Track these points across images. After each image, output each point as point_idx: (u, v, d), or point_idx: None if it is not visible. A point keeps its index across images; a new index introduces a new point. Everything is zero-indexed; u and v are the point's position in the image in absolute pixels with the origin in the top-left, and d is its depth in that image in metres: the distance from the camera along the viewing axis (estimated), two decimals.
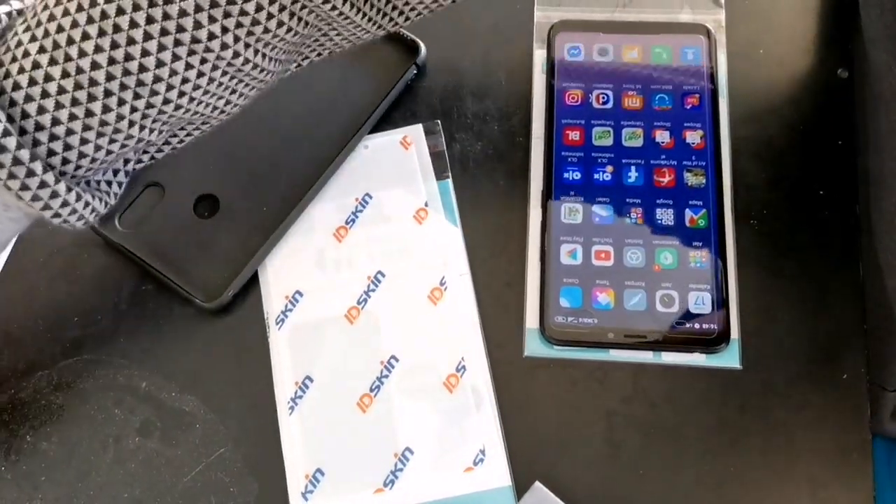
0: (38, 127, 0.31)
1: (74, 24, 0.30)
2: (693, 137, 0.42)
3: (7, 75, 0.31)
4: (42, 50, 0.30)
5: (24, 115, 0.31)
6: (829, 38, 0.45)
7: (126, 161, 0.36)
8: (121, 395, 0.40)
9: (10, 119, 0.30)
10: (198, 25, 0.30)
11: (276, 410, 0.39)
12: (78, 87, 0.30)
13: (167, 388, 0.40)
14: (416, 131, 0.44)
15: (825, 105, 0.43)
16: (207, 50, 0.31)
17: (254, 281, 0.42)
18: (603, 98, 0.43)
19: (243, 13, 0.31)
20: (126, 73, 0.31)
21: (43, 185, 0.31)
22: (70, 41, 0.30)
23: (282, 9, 0.31)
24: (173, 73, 0.31)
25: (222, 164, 0.43)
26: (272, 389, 0.40)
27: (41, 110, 0.31)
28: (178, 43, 0.30)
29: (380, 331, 0.40)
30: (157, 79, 0.31)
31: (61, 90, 0.30)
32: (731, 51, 0.44)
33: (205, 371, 0.41)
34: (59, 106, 0.31)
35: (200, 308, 0.41)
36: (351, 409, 0.39)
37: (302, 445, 0.38)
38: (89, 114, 0.31)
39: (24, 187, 0.31)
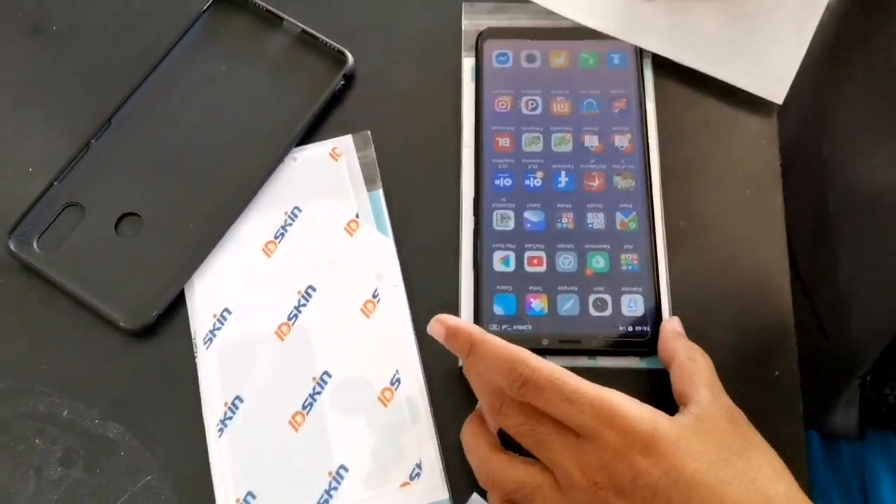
0: None
1: None
2: (621, 141, 0.42)
3: None
4: None
5: None
6: None
7: None
8: (41, 424, 0.39)
9: None
10: None
11: (206, 434, 0.38)
12: None
13: (90, 415, 0.39)
14: (345, 142, 0.43)
15: (751, 101, 0.44)
16: None
17: (180, 300, 0.40)
18: (532, 104, 0.43)
19: None
20: None
21: None
22: None
23: None
24: None
25: (145, 181, 0.42)
26: (201, 412, 0.38)
27: None
28: None
29: (311, 346, 0.39)
30: None
31: None
32: (656, 55, 0.44)
33: (129, 396, 0.39)
34: None
35: (124, 330, 0.40)
36: (282, 428, 0.38)
37: (232, 468, 0.37)
38: None
39: None
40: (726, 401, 0.35)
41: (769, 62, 0.43)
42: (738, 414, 0.35)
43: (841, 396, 0.48)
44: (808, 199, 0.47)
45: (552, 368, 0.33)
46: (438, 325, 0.36)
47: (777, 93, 0.43)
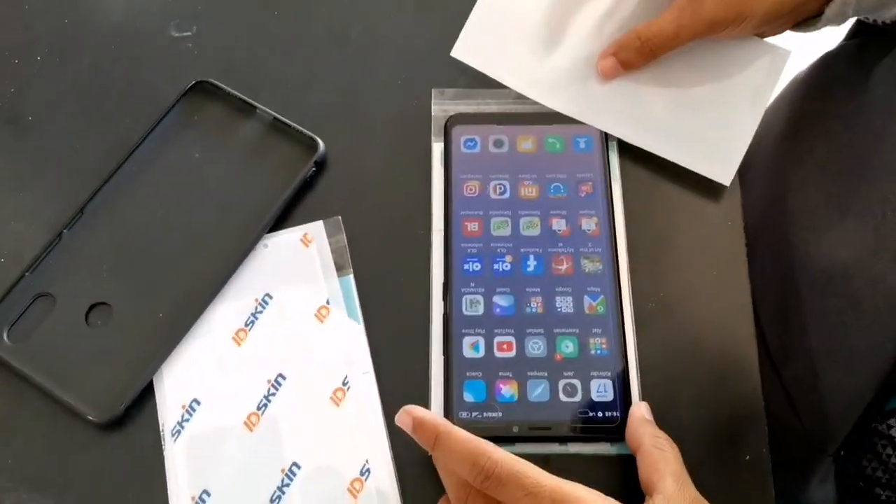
0: None
1: None
2: (588, 224, 0.42)
3: None
4: None
5: None
6: None
7: None
8: None
9: None
10: None
11: None
12: None
13: None
14: (316, 228, 0.44)
15: (715, 190, 0.44)
16: None
17: (149, 391, 0.40)
18: (500, 188, 0.43)
19: None
20: None
21: None
22: None
23: None
24: None
25: (116, 270, 0.42)
26: None
27: None
28: None
29: (281, 437, 0.39)
30: None
31: None
32: (621, 139, 0.45)
33: (96, 490, 0.39)
34: None
35: (93, 423, 0.39)
36: None
37: None
38: None
39: None
40: (692, 491, 0.35)
41: (717, 145, 0.44)
42: (703, 503, 0.35)
43: (815, 473, 0.48)
44: (774, 276, 0.47)
45: (513, 462, 0.33)
46: (406, 416, 0.36)
47: (725, 175, 0.44)
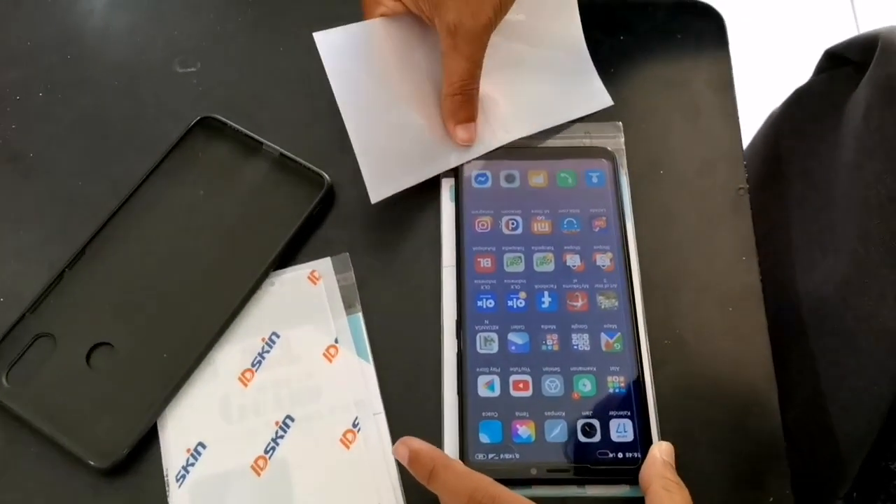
0: None
1: None
2: (603, 260, 0.42)
3: None
4: None
5: None
6: (725, 157, 0.46)
7: None
8: None
9: None
10: None
11: None
12: None
13: None
14: (324, 265, 0.43)
15: (727, 219, 0.44)
16: None
17: (152, 435, 0.39)
18: (512, 224, 0.43)
19: None
20: None
21: None
22: None
23: None
24: None
25: (118, 310, 0.41)
26: None
27: None
28: None
29: (289, 482, 0.38)
30: None
31: None
32: (633, 172, 0.45)
33: None
34: None
35: (94, 469, 0.38)
36: None
37: None
38: None
39: None
40: None
41: (575, 83, 0.47)
42: None
43: None
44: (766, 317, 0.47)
45: (511, 497, 0.33)
46: (403, 448, 0.35)
47: (601, 100, 0.47)
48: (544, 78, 0.47)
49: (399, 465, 0.38)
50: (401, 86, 0.44)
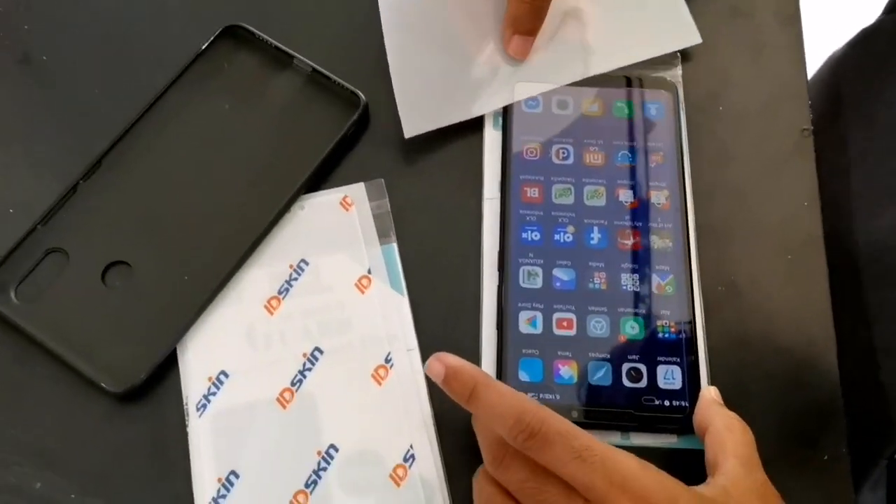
0: None
1: None
2: (658, 197, 0.39)
3: None
4: None
5: None
6: (789, 95, 0.43)
7: None
8: (10, 498, 0.34)
9: None
10: None
11: None
12: None
13: (66, 488, 0.35)
14: (357, 190, 0.40)
15: (790, 162, 0.41)
16: None
17: (172, 361, 0.36)
18: (563, 153, 0.40)
19: None
20: None
21: None
22: None
23: None
24: None
25: (136, 227, 0.38)
26: (190, 489, 0.34)
27: None
28: None
29: (317, 416, 0.35)
30: None
31: None
32: (690, 106, 0.42)
33: (111, 468, 0.35)
34: None
35: (108, 393, 0.35)
36: None
37: None
38: None
39: None
40: (761, 476, 0.32)
41: (662, 16, 0.43)
42: (771, 491, 0.32)
43: (868, 476, 0.45)
44: None
45: (562, 422, 0.30)
46: (438, 364, 0.32)
47: (690, 37, 0.42)
48: (628, 4, 0.43)
49: (434, 406, 0.36)
50: (455, 10, 0.41)
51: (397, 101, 0.40)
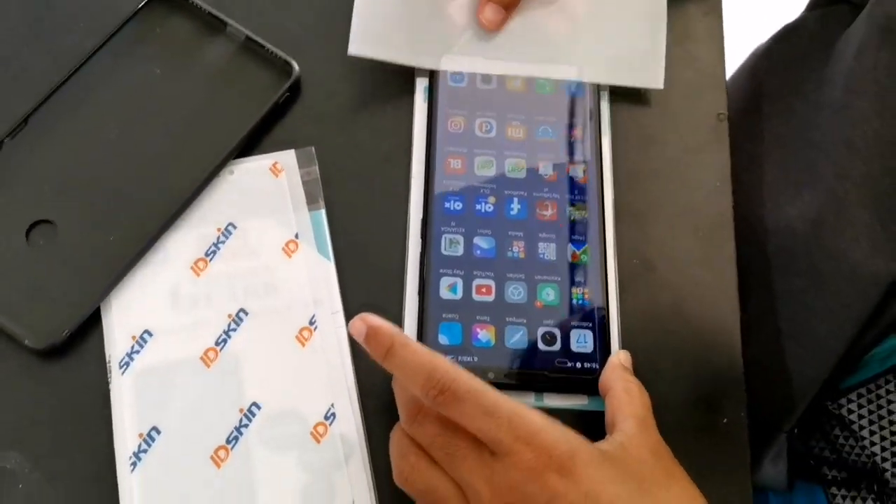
0: None
1: None
2: (576, 171, 0.41)
3: None
4: None
5: None
6: (708, 82, 0.45)
7: None
8: None
9: None
10: None
11: (116, 468, 0.34)
12: None
13: None
14: (287, 157, 0.41)
15: (706, 145, 0.43)
16: None
17: (95, 319, 0.37)
18: (486, 126, 0.41)
19: None
20: None
21: None
22: None
23: None
24: None
25: (62, 185, 0.39)
26: (111, 444, 0.35)
27: None
28: None
29: (240, 375, 0.36)
30: None
31: None
32: (613, 90, 0.43)
33: (31, 423, 0.35)
34: None
35: (30, 350, 0.36)
36: (203, 463, 0.34)
37: None
38: None
39: None
40: (654, 434, 0.34)
41: (634, 50, 0.43)
42: (664, 448, 0.34)
43: (769, 449, 0.48)
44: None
45: (472, 379, 0.32)
46: (360, 323, 0.33)
47: (655, 78, 0.42)
48: (608, 26, 0.43)
49: (356, 367, 0.37)
50: None
51: (354, 14, 0.41)
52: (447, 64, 0.42)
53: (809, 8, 0.53)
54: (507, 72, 0.42)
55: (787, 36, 0.53)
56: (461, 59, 0.42)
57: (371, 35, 0.41)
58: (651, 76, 0.42)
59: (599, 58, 0.43)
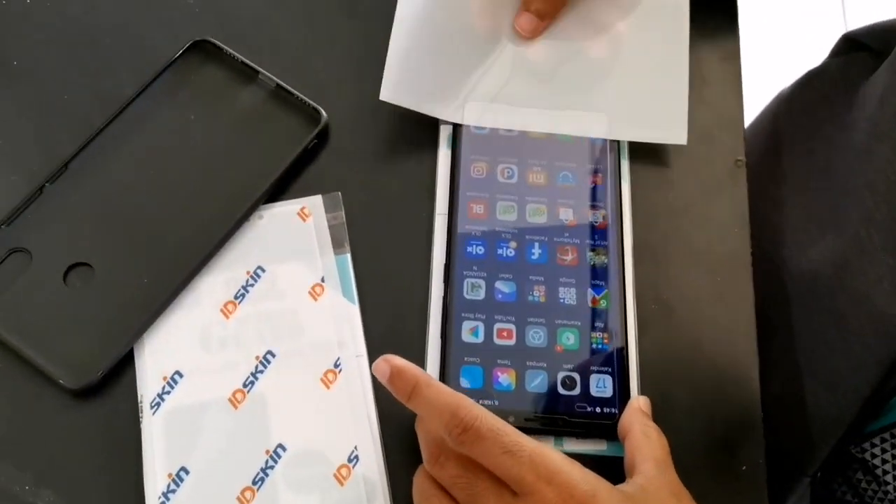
0: None
1: None
2: (596, 216, 0.41)
3: None
4: None
5: None
6: (726, 127, 0.45)
7: None
8: None
9: None
10: None
11: None
12: None
13: (20, 480, 0.36)
14: (314, 202, 0.42)
15: (723, 189, 0.44)
16: None
17: (128, 359, 0.38)
18: (508, 172, 0.42)
19: None
20: None
21: None
22: None
23: None
24: None
25: (99, 229, 0.40)
26: (142, 483, 0.36)
27: None
28: None
29: (267, 416, 0.37)
30: None
31: None
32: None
33: (65, 461, 0.36)
34: None
35: (65, 389, 0.37)
36: None
37: None
38: None
39: None
40: (673, 476, 0.35)
41: (656, 107, 0.43)
42: (683, 490, 0.34)
43: (791, 493, 0.48)
44: (756, 292, 0.47)
45: (495, 419, 0.32)
46: (384, 364, 0.34)
47: (678, 135, 0.43)
48: (630, 84, 0.44)
49: (379, 409, 0.38)
50: (477, 10, 0.44)
51: (387, 61, 0.43)
52: (471, 118, 0.43)
53: (832, 55, 0.54)
54: (532, 127, 0.43)
55: (811, 81, 0.53)
56: (485, 112, 0.43)
57: (401, 84, 0.42)
58: (675, 133, 0.43)
59: (623, 111, 0.43)
